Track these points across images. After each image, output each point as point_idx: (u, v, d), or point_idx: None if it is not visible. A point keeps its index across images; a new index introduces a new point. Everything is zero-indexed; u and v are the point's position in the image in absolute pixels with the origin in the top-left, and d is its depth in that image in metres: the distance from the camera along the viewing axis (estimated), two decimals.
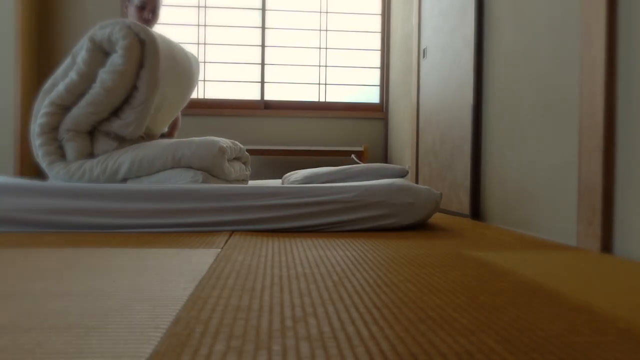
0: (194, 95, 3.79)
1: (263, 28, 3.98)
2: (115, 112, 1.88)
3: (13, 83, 3.36)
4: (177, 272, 0.99)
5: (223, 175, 1.92)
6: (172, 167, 1.83)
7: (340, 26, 4.07)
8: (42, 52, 3.68)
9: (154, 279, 0.92)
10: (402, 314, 0.73)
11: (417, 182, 3.08)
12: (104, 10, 3.72)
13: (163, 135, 2.43)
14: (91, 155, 1.88)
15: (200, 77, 3.85)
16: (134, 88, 1.87)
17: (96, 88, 1.81)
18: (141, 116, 1.88)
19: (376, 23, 4.08)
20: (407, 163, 3.32)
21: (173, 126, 2.53)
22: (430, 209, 1.77)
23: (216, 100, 3.88)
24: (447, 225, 1.92)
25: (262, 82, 3.98)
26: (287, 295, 0.82)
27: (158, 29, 2.46)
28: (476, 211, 2.19)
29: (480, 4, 2.19)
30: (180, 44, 2.20)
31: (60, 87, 1.83)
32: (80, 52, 1.85)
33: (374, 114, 3.99)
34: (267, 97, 3.98)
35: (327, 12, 4.06)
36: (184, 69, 2.12)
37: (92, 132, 1.89)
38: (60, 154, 1.85)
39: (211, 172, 1.87)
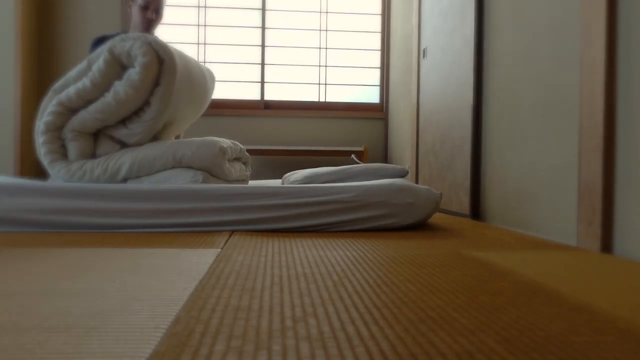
0: None
1: (263, 28, 3.98)
2: (123, 121, 1.88)
3: (13, 83, 3.36)
4: (177, 272, 0.99)
5: (223, 176, 1.92)
6: (172, 167, 1.84)
7: (340, 26, 4.07)
8: (42, 52, 3.68)
9: (154, 279, 0.92)
10: (402, 314, 0.73)
11: (417, 182, 3.08)
12: (104, 10, 3.72)
13: None
14: (93, 155, 1.88)
15: None
16: (146, 103, 1.87)
17: (109, 98, 1.80)
18: (149, 130, 1.89)
19: (376, 23, 4.08)
20: (407, 163, 3.32)
21: None
22: (430, 209, 1.77)
23: (216, 100, 3.88)
24: (447, 225, 1.92)
25: (262, 82, 3.98)
26: (287, 295, 0.82)
27: (158, 29, 2.46)
28: (476, 211, 2.19)
29: (480, 4, 2.19)
30: (196, 61, 2.18)
31: (71, 90, 1.82)
32: (97, 61, 1.84)
33: (374, 114, 3.99)
34: (267, 97, 3.98)
35: (327, 12, 4.06)
36: (199, 86, 2.12)
37: (96, 134, 1.89)
38: (62, 153, 1.85)
39: (211, 172, 1.87)
